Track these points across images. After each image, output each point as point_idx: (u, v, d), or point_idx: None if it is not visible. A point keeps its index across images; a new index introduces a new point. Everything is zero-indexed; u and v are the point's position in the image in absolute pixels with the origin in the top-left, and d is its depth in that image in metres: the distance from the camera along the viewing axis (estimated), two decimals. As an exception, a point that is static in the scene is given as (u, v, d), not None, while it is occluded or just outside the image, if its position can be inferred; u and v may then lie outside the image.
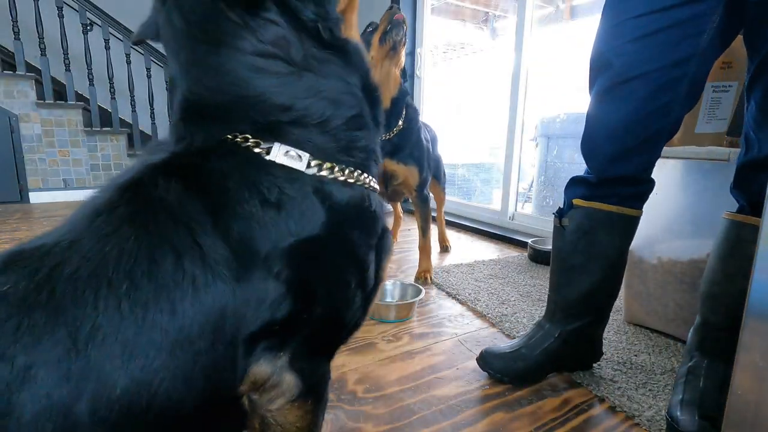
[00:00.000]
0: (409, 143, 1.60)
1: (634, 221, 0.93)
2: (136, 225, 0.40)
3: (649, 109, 0.82)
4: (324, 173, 0.46)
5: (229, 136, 0.45)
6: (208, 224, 0.41)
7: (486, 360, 1.01)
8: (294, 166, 0.45)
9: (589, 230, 0.93)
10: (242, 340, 0.42)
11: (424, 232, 1.73)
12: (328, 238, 0.46)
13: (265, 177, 0.44)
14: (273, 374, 0.44)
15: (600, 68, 0.86)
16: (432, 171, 1.93)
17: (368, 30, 1.48)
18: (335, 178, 0.47)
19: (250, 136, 0.45)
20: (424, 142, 1.70)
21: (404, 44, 1.45)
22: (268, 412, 0.47)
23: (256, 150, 0.44)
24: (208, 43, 0.43)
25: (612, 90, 0.85)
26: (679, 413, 0.79)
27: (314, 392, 0.49)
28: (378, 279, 0.53)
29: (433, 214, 2.06)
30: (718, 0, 0.74)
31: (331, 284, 0.47)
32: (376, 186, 0.54)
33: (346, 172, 0.48)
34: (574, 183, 0.97)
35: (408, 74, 1.60)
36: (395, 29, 1.40)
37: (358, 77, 0.50)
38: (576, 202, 0.94)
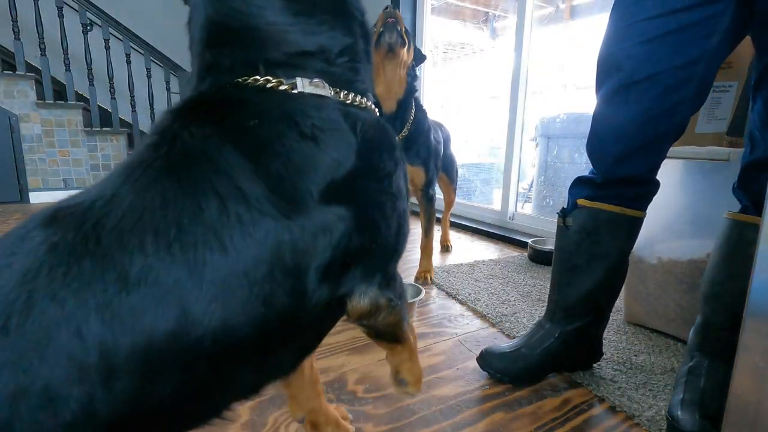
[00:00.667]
0: (417, 143, 1.59)
1: (637, 222, 0.94)
2: (176, 176, 0.41)
3: (657, 110, 0.82)
4: (343, 99, 0.50)
5: (254, 77, 0.47)
6: (247, 169, 0.42)
7: (486, 359, 1.01)
8: (321, 93, 0.48)
9: (592, 230, 0.93)
10: (314, 270, 0.44)
11: (427, 232, 1.72)
12: (366, 161, 0.49)
13: (295, 111, 0.46)
14: (372, 305, 0.52)
15: (609, 70, 0.86)
16: (443, 169, 1.93)
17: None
18: (352, 102, 0.51)
19: (271, 77, 0.47)
20: (433, 142, 1.69)
21: (402, 44, 1.43)
22: (375, 325, 0.56)
23: (282, 87, 0.47)
24: None
25: (621, 92, 0.84)
26: (679, 413, 0.79)
27: (399, 299, 0.57)
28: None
29: (438, 215, 2.06)
30: (728, 2, 0.74)
31: (383, 209, 0.51)
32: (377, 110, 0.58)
33: (359, 97, 0.52)
34: (579, 183, 0.97)
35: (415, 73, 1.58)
36: (387, 32, 1.39)
37: (357, 18, 0.55)
38: (580, 202, 0.94)
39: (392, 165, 0.53)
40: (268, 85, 0.47)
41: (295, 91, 0.47)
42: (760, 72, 0.77)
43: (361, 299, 0.51)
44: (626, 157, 0.87)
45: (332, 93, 0.49)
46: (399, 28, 1.40)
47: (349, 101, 0.51)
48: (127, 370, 0.35)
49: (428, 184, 1.68)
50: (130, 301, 0.36)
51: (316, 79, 0.48)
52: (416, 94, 1.60)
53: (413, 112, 1.57)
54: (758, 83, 0.78)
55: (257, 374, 0.49)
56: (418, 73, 1.67)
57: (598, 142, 0.91)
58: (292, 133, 0.45)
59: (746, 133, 0.82)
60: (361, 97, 0.53)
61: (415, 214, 2.04)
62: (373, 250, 0.50)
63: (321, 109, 0.47)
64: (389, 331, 0.63)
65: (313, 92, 0.48)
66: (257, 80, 0.47)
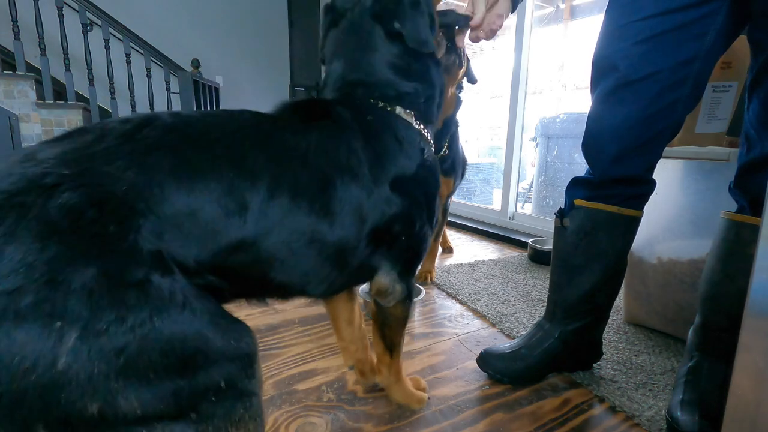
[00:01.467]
0: (450, 156, 1.61)
1: (635, 222, 0.94)
2: (330, 128, 0.64)
3: (653, 109, 0.82)
4: (419, 129, 0.75)
5: (371, 99, 0.72)
6: (361, 142, 0.65)
7: (486, 360, 1.01)
8: (408, 119, 0.73)
9: (590, 231, 0.93)
10: (369, 226, 0.64)
11: (437, 236, 1.77)
12: (422, 177, 0.71)
13: (394, 122, 0.71)
14: (390, 285, 0.74)
15: (604, 70, 0.86)
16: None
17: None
18: (425, 133, 0.76)
19: (381, 102, 0.72)
20: (461, 153, 1.72)
21: (459, 66, 1.37)
22: (386, 307, 0.79)
23: (388, 108, 0.72)
24: (366, 48, 0.73)
25: (616, 92, 0.85)
26: (679, 413, 0.79)
27: (409, 296, 0.79)
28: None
29: None
30: (722, 1, 0.74)
31: (421, 215, 0.72)
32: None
33: (428, 132, 0.77)
34: (576, 184, 0.97)
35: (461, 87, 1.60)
36: (447, 54, 1.35)
37: (439, 79, 0.80)
38: (577, 202, 0.94)
39: (434, 190, 0.75)
40: (380, 105, 0.72)
41: (395, 113, 0.72)
42: (756, 72, 0.77)
43: (384, 277, 0.73)
44: (623, 157, 0.87)
45: (415, 122, 0.74)
46: (461, 52, 1.41)
47: (423, 132, 0.75)
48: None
49: (451, 194, 1.73)
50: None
51: (408, 110, 0.74)
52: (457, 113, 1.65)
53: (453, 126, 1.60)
54: (754, 83, 0.78)
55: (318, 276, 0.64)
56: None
57: (594, 142, 0.91)
58: (388, 133, 0.69)
59: (742, 133, 0.82)
60: (429, 133, 0.78)
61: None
62: (403, 241, 0.70)
63: (407, 128, 0.72)
64: (392, 325, 0.82)
65: (405, 117, 0.73)
66: (375, 101, 0.72)
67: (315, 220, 0.57)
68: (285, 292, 0.64)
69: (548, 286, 1.04)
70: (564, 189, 1.00)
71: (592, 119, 0.91)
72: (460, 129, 1.68)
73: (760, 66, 0.76)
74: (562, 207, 0.99)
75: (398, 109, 0.72)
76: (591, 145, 0.92)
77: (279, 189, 0.53)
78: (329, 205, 0.58)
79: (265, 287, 0.60)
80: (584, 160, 0.96)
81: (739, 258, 0.79)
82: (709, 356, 0.86)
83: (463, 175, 2.02)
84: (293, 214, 0.54)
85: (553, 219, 1.01)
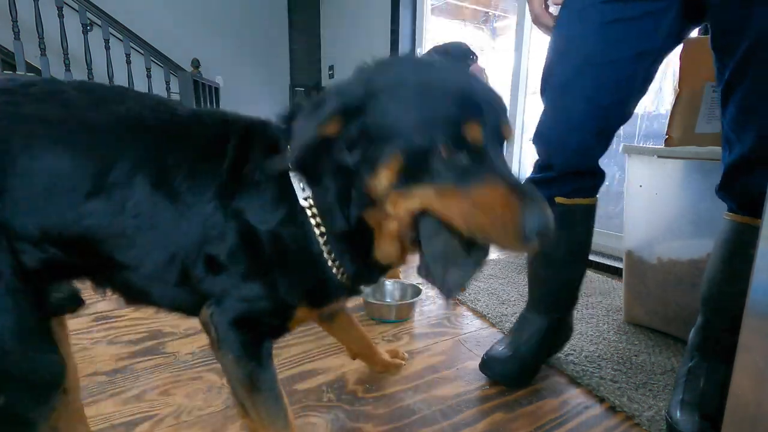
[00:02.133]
0: None
1: (595, 209, 0.99)
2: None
3: (611, 99, 0.84)
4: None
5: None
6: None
7: (488, 365, 1.00)
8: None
9: (569, 225, 0.95)
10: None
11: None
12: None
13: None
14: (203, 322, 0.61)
15: (566, 52, 0.87)
16: None
17: None
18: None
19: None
20: None
21: None
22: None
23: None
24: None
25: (579, 76, 0.85)
26: (678, 413, 0.79)
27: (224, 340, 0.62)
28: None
29: None
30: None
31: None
32: None
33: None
34: (542, 183, 0.94)
35: None
36: None
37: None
38: (558, 200, 0.94)
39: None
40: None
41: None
42: (729, 77, 0.76)
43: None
44: (584, 150, 0.90)
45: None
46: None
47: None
48: None
49: None
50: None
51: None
52: None
53: None
54: (728, 89, 0.77)
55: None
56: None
57: (556, 134, 0.91)
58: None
59: (723, 137, 0.81)
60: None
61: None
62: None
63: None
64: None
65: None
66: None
67: (162, 209, 0.52)
68: (131, 288, 0.59)
69: (528, 279, 1.07)
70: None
71: (555, 109, 0.91)
72: None
73: (732, 72, 0.74)
74: None
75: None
76: (552, 137, 0.92)
77: (135, 170, 0.51)
78: (180, 199, 0.53)
79: (112, 274, 0.56)
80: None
81: (741, 259, 0.79)
82: (709, 357, 0.86)
83: None
84: (143, 197, 0.51)
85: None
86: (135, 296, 0.60)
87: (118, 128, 0.52)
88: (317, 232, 0.56)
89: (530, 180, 0.97)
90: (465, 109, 0.46)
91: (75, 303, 0.60)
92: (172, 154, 0.54)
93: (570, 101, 0.87)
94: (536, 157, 0.97)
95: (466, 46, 1.71)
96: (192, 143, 0.56)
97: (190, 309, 0.60)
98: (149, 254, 0.53)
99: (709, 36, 0.78)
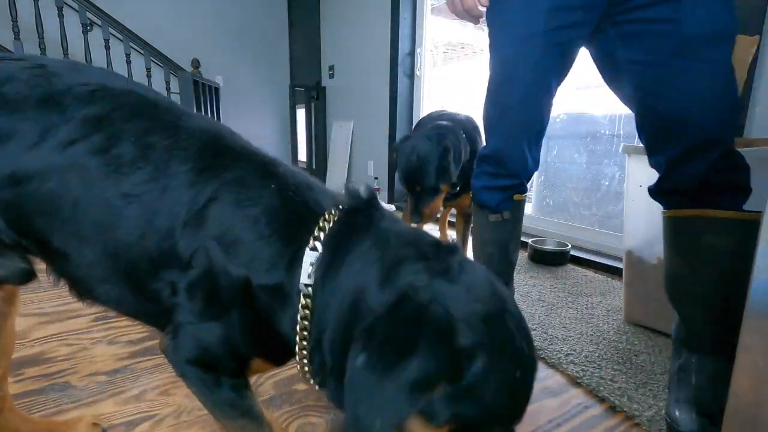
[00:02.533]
0: (467, 175, 1.59)
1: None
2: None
3: (548, 103, 0.96)
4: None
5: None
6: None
7: None
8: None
9: (518, 219, 1.08)
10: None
11: (465, 240, 1.78)
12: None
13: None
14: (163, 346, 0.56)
15: (523, 37, 0.89)
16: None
17: None
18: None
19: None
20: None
21: None
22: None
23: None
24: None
25: (538, 65, 0.90)
26: (677, 413, 0.79)
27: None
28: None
29: (451, 219, 2.15)
30: (594, 13, 0.81)
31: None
32: None
33: None
34: (505, 189, 1.03)
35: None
36: None
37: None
38: (516, 197, 1.04)
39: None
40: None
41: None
42: (638, 123, 0.88)
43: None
44: (536, 152, 0.99)
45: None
46: None
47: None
48: None
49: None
50: None
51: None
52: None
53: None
54: (639, 128, 0.89)
55: None
56: (418, 73, 1.67)
57: (514, 142, 0.99)
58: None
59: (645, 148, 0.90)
60: None
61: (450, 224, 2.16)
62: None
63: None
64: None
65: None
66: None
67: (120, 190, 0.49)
68: (78, 278, 0.56)
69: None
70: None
71: (519, 111, 0.97)
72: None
73: (639, 115, 0.86)
74: (496, 203, 1.04)
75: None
76: (510, 146, 0.99)
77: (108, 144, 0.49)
78: (142, 186, 0.49)
79: (60, 255, 0.53)
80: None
81: (698, 249, 0.80)
82: (695, 351, 0.85)
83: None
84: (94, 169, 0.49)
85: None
86: (87, 292, 0.61)
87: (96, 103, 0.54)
88: (300, 325, 0.48)
89: (489, 186, 1.04)
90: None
91: (23, 277, 0.58)
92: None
93: (533, 102, 0.96)
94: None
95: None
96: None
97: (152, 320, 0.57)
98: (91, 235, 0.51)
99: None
